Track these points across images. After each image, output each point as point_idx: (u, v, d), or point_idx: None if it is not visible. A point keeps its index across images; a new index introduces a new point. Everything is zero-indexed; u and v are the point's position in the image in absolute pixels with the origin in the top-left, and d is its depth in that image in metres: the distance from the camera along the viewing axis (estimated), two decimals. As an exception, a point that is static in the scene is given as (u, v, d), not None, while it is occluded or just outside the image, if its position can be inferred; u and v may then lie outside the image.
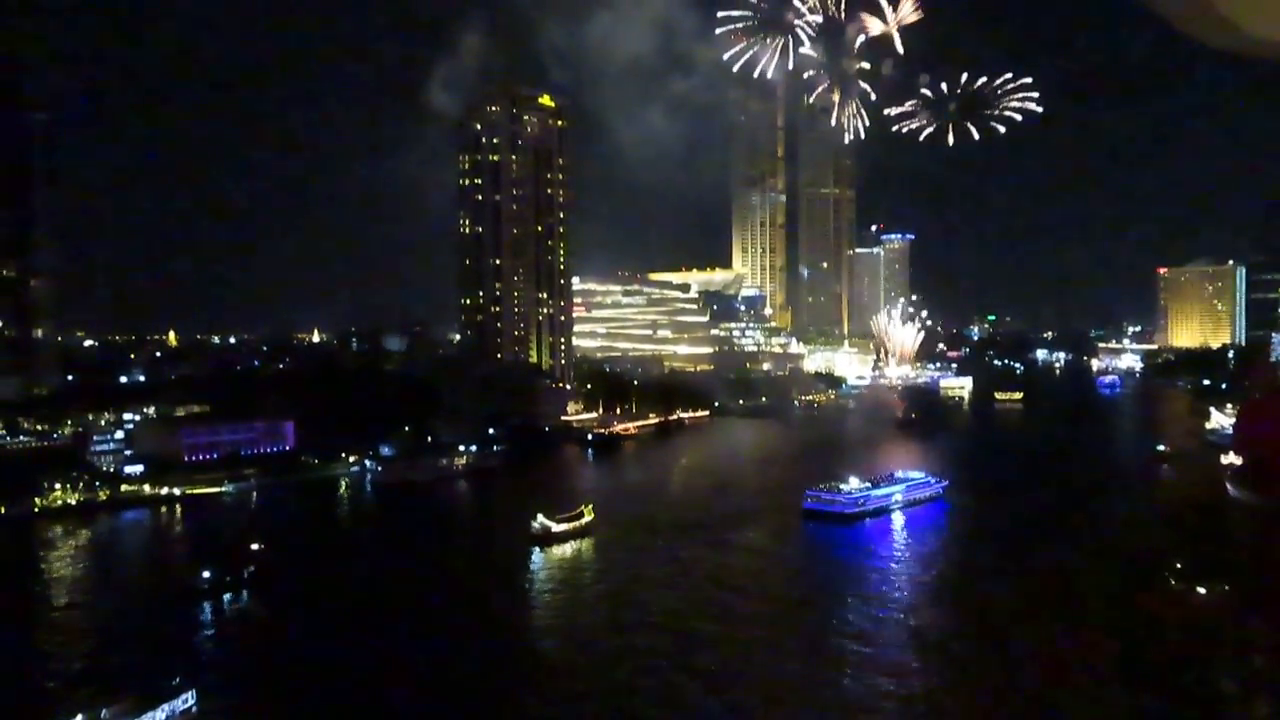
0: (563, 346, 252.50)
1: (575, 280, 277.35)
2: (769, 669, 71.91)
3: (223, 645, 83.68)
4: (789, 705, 65.38)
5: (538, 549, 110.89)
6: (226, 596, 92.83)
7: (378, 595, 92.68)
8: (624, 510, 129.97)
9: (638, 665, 72.77)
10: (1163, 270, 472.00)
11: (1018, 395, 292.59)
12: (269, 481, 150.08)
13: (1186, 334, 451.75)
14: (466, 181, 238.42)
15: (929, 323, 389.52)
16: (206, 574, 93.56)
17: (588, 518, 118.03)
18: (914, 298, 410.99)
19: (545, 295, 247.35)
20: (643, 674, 71.09)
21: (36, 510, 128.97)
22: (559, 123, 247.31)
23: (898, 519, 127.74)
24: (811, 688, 68.13)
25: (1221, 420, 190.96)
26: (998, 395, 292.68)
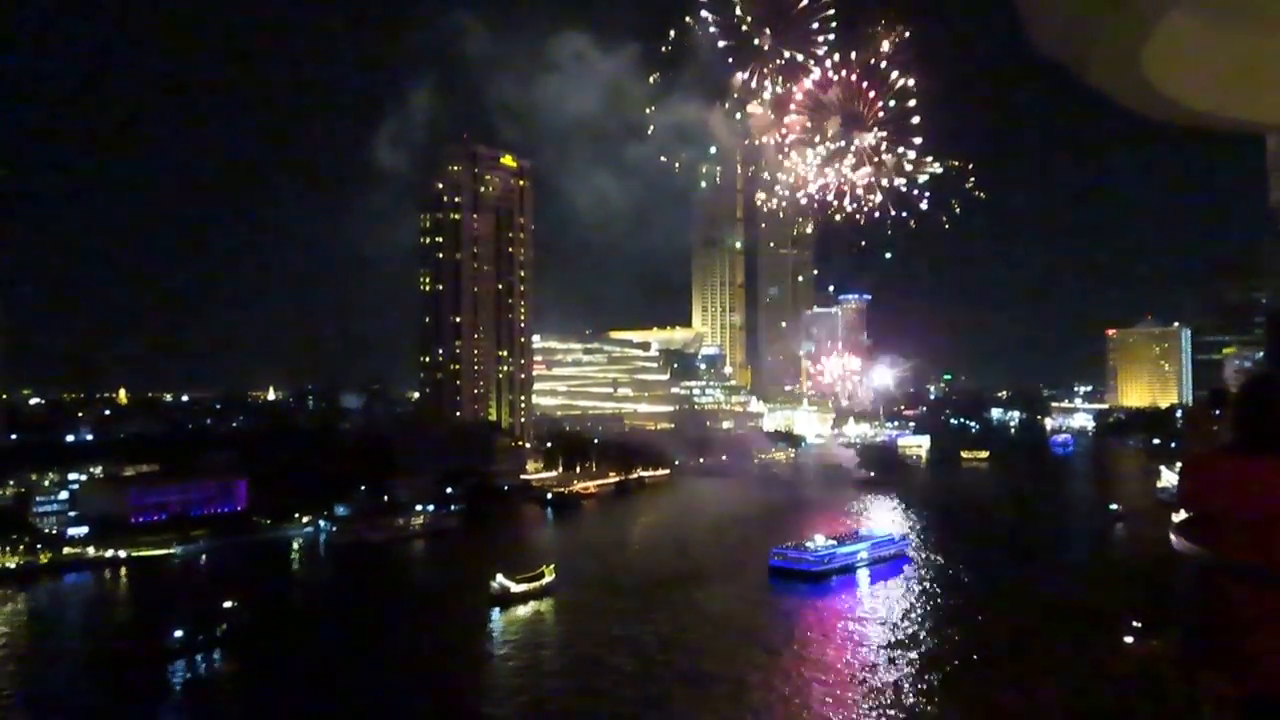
0: (523, 405, 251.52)
1: (536, 338, 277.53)
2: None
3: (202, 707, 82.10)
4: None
5: (497, 610, 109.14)
6: (199, 656, 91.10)
7: (347, 654, 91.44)
8: (585, 570, 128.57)
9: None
10: (1111, 331, 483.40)
11: (984, 454, 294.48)
12: (219, 542, 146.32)
13: (1135, 394, 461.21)
14: (427, 240, 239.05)
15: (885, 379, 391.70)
16: (178, 633, 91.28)
17: (549, 578, 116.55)
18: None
19: (505, 353, 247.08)
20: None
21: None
22: (520, 182, 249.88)
23: (863, 576, 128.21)
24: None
25: (1171, 479, 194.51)
26: (964, 454, 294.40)
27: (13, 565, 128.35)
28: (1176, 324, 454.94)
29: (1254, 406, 6.21)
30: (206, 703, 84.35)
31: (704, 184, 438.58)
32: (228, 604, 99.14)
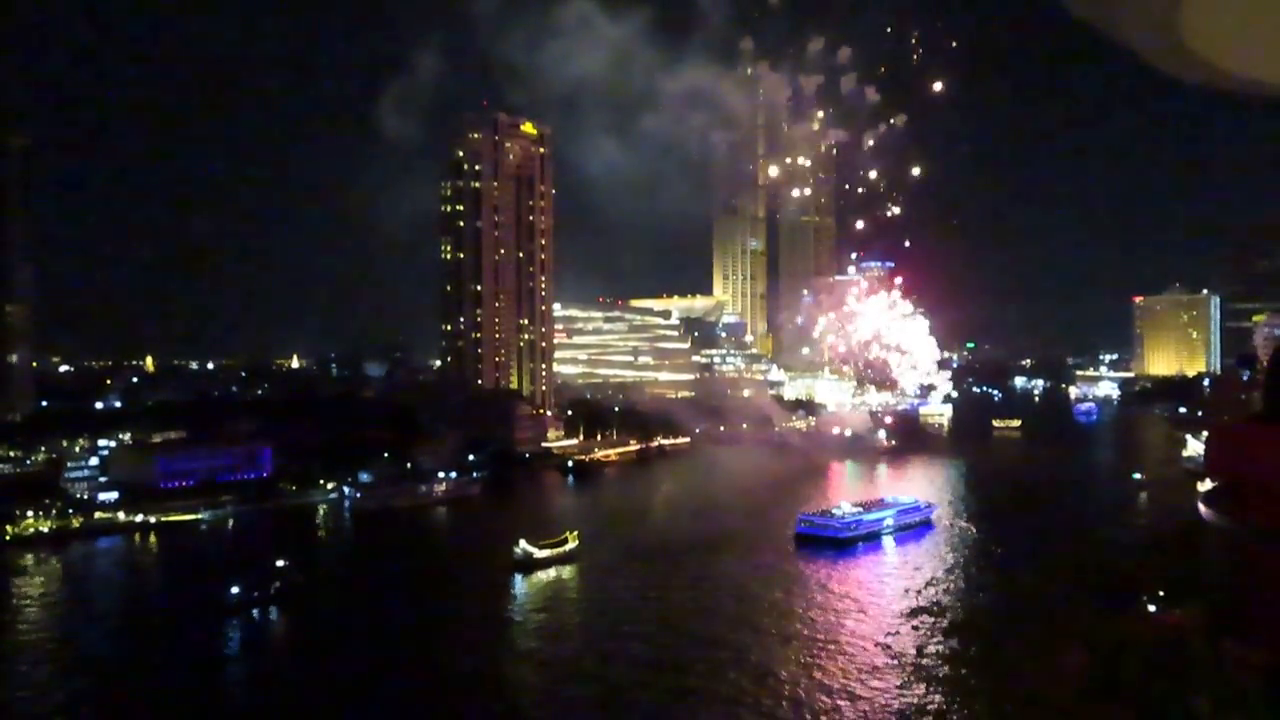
0: (544, 373, 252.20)
1: (556, 306, 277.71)
2: (766, 696, 72.01)
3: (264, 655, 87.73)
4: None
5: (520, 575, 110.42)
6: (255, 611, 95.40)
7: (384, 615, 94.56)
8: (608, 536, 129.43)
9: (624, 693, 72.64)
10: (1138, 299, 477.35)
11: (1016, 423, 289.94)
12: (245, 508, 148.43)
13: (1162, 362, 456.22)
14: (448, 208, 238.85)
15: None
16: (235, 590, 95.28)
17: (572, 544, 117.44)
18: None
19: (526, 321, 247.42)
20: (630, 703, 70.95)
21: (8, 538, 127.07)
22: (541, 150, 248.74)
23: (889, 543, 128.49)
24: (800, 712, 68.13)
25: (1197, 447, 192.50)
26: (995, 423, 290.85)
27: (46, 529, 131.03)
28: (1205, 291, 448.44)
29: (1284, 376, 6.17)
30: (268, 651, 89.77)
31: (722, 149, 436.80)
32: (280, 563, 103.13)
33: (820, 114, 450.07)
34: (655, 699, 71.36)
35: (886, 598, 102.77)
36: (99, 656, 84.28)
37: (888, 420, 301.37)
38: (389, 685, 75.23)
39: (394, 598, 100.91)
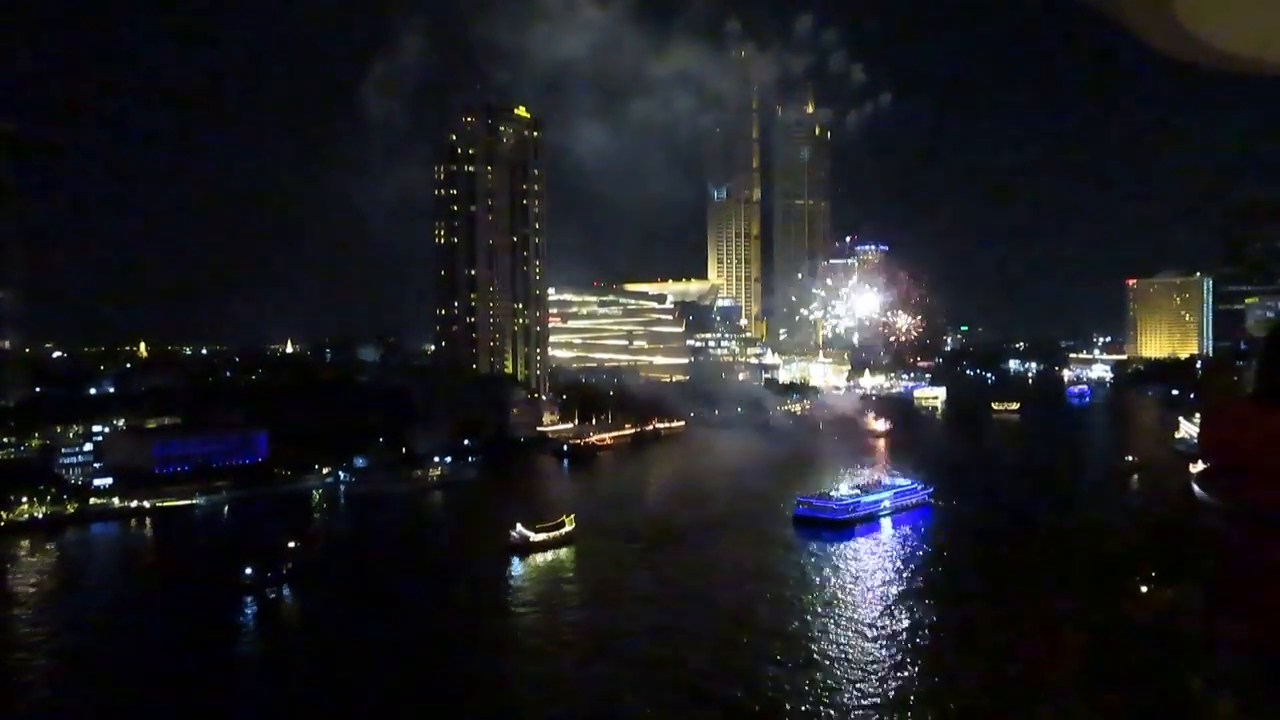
0: (538, 357, 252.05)
1: (551, 291, 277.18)
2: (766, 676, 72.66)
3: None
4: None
5: (517, 558, 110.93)
6: (269, 591, 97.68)
7: (388, 596, 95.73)
8: (604, 519, 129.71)
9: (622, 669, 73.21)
10: (1131, 281, 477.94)
11: (1014, 405, 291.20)
12: (241, 494, 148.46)
13: (1155, 344, 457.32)
14: (442, 192, 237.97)
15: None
16: (249, 570, 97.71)
17: (568, 527, 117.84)
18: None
19: (521, 306, 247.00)
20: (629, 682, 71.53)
21: (2, 524, 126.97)
22: (534, 134, 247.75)
23: (886, 525, 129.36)
24: (803, 688, 68.71)
25: (1190, 430, 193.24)
26: (994, 405, 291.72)
27: (41, 515, 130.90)
28: (1198, 274, 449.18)
29: (1276, 356, 6.19)
30: (287, 626, 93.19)
31: (715, 132, 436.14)
32: (291, 544, 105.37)
33: (812, 95, 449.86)
34: (652, 677, 71.80)
35: (885, 579, 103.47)
36: (133, 633, 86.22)
37: (882, 404, 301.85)
38: (401, 657, 76.82)
39: (397, 580, 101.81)
